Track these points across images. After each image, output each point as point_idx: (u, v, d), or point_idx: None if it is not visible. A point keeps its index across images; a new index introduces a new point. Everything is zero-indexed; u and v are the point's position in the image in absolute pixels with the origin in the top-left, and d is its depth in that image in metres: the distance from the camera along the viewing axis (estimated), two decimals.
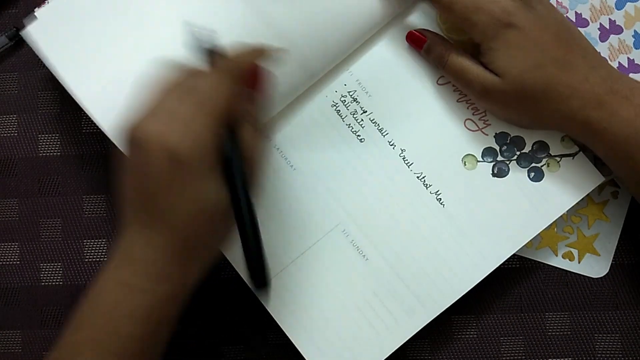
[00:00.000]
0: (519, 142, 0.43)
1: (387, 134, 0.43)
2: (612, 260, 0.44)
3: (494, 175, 0.42)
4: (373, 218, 0.42)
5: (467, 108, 0.43)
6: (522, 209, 0.42)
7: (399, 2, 0.42)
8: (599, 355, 0.44)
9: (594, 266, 0.44)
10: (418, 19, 0.43)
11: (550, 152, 0.42)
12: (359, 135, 0.43)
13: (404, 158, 0.43)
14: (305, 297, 0.42)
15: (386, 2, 0.41)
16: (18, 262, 0.46)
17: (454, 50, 0.40)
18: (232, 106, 0.33)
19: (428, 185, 0.42)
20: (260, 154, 0.35)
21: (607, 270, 0.44)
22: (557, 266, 0.44)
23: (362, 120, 0.43)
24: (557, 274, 0.44)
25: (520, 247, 0.42)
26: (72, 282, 0.46)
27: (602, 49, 0.44)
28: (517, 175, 0.42)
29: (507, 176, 0.42)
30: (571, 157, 0.42)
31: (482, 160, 0.43)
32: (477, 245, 0.42)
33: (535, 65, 0.37)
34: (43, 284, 0.46)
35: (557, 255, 0.44)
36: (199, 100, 0.32)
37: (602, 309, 0.44)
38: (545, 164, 0.42)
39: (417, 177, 0.42)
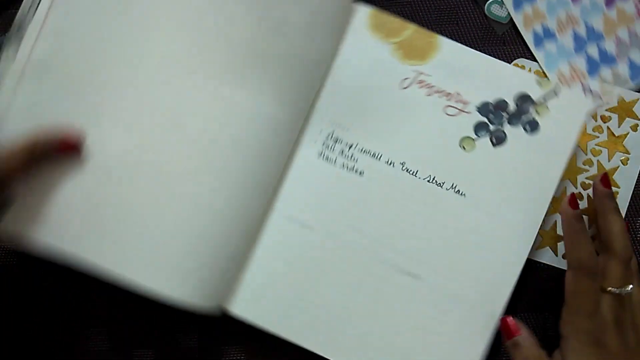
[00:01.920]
0: (502, 105, 0.43)
1: (381, 155, 0.43)
2: None
3: (494, 145, 0.42)
4: (405, 237, 0.42)
5: (440, 97, 0.43)
6: (534, 164, 0.42)
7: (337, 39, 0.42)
8: None
9: None
10: (372, 45, 0.43)
11: (533, 100, 0.42)
12: (356, 170, 0.43)
13: (407, 170, 0.42)
14: (369, 337, 0.42)
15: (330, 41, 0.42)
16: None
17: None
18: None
19: (442, 184, 0.42)
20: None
21: None
22: (557, 266, 0.44)
23: (352, 155, 0.43)
24: (557, 274, 0.44)
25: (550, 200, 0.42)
26: None
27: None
28: (515, 135, 0.42)
29: (506, 140, 0.42)
30: (555, 94, 0.42)
31: (477, 137, 0.42)
32: (510, 219, 0.42)
33: None
34: None
35: (557, 255, 0.44)
36: None
37: None
38: (534, 113, 0.42)
39: (428, 181, 0.42)
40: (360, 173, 0.43)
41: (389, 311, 0.42)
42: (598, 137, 0.45)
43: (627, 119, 0.44)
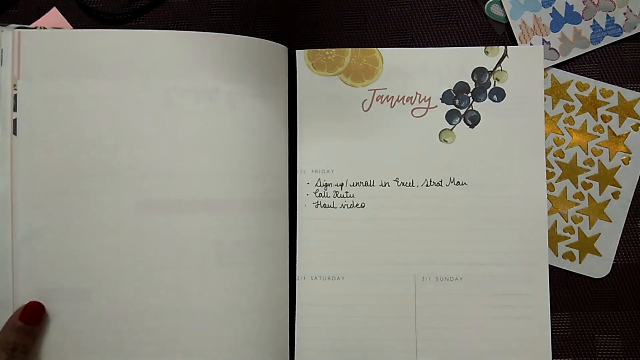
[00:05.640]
0: (462, 87, 0.43)
1: (373, 181, 0.43)
2: (614, 261, 0.44)
3: (472, 126, 0.43)
4: (431, 246, 0.43)
5: (403, 104, 0.43)
6: (516, 126, 0.43)
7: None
8: (599, 355, 0.43)
9: (595, 266, 0.44)
10: (321, 83, 0.43)
11: (488, 70, 0.43)
12: (356, 205, 0.43)
13: (403, 183, 0.43)
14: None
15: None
16: None
17: None
18: None
19: (440, 183, 0.43)
20: None
21: (609, 271, 0.44)
22: (558, 266, 0.44)
23: (346, 192, 0.43)
24: (558, 274, 0.44)
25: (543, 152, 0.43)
26: None
27: None
28: (486, 109, 0.43)
29: (480, 117, 0.43)
30: (507, 57, 0.43)
31: (452, 125, 0.43)
32: (517, 184, 0.42)
33: None
34: None
35: (557, 256, 0.44)
36: None
37: (603, 309, 0.44)
38: (495, 81, 0.43)
39: (427, 186, 0.43)
40: (361, 206, 0.43)
41: (446, 321, 0.42)
42: (599, 136, 0.44)
43: (627, 118, 0.44)
